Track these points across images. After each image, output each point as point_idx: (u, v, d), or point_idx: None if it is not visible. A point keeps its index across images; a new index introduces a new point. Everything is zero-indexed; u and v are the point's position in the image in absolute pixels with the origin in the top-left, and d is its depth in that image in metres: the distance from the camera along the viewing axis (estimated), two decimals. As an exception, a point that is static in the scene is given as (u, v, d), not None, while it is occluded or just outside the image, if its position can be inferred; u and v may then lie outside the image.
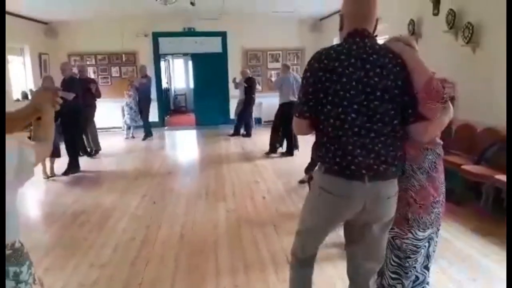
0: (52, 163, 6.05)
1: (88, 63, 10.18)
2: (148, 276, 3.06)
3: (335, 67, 1.68)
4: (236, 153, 7.66)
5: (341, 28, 1.85)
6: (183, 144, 9.53)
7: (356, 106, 1.67)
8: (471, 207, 4.21)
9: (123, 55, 10.47)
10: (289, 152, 7.19)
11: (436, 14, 5.47)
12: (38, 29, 9.57)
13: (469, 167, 4.27)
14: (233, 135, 9.42)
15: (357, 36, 1.75)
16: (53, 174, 6.03)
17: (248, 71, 9.58)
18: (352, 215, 1.79)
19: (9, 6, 7.56)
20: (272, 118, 7.50)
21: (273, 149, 7.33)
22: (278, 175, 5.91)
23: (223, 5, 8.16)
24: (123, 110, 9.56)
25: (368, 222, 1.82)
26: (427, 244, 2.10)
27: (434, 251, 2.18)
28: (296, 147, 7.23)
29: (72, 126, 6.27)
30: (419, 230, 2.02)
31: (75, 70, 7.85)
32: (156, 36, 10.47)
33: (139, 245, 3.63)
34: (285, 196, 4.93)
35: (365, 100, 1.67)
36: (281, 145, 7.43)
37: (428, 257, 2.16)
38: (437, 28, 5.34)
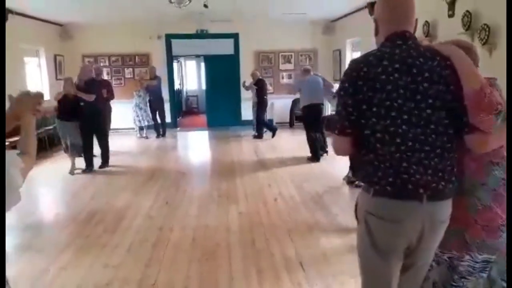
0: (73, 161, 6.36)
1: (101, 64, 10.28)
2: (161, 279, 3.07)
3: (377, 74, 1.49)
4: (247, 155, 7.66)
5: (376, 33, 1.67)
6: (195, 145, 9.57)
7: (407, 116, 1.48)
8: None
9: (136, 57, 10.56)
10: (315, 157, 6.78)
11: (451, 15, 5.39)
12: (53, 31, 9.70)
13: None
14: (256, 137, 9.33)
15: (398, 39, 1.56)
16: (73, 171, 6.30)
17: (258, 73, 9.53)
18: (411, 241, 1.57)
19: (25, 8, 7.69)
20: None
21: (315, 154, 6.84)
22: (292, 179, 5.89)
23: (236, 7, 8.17)
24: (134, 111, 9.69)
25: (421, 248, 1.59)
26: (488, 266, 1.79)
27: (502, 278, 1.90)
28: (324, 150, 6.91)
29: (93, 127, 6.43)
30: (478, 253, 1.72)
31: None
32: (169, 38, 10.54)
33: (151, 246, 3.65)
34: (299, 200, 4.91)
35: (416, 108, 1.47)
36: (323, 148, 6.94)
37: (492, 281, 1.93)
38: (452, 30, 5.26)
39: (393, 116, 1.48)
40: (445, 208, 1.57)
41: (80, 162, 6.40)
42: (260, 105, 9.16)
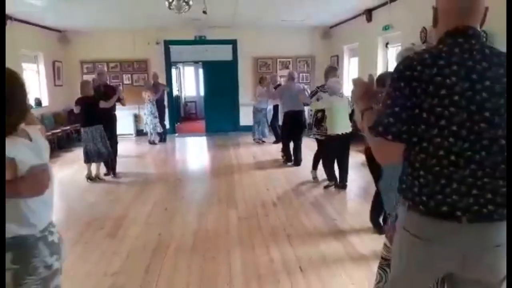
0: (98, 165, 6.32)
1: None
2: (161, 285, 3.05)
3: (432, 76, 1.30)
4: (246, 160, 7.66)
5: (435, 24, 1.46)
6: (194, 151, 9.56)
7: (456, 127, 1.29)
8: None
9: (135, 63, 10.58)
10: (296, 163, 6.94)
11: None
12: (52, 37, 9.72)
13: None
14: (275, 142, 8.97)
15: (459, 36, 1.36)
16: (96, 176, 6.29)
17: (279, 77, 9.35)
18: (451, 268, 1.40)
19: (24, 14, 7.70)
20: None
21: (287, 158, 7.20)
22: (290, 182, 5.90)
23: (234, 13, 8.22)
24: (142, 116, 9.74)
25: (476, 279, 1.39)
26: None
27: None
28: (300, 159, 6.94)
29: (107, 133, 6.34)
30: None
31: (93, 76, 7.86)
32: (167, 44, 10.57)
33: (151, 252, 3.63)
34: (297, 204, 4.91)
35: (468, 120, 1.29)
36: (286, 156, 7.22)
37: None
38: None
39: (442, 126, 1.30)
40: (500, 230, 1.33)
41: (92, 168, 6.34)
42: (276, 110, 9.09)
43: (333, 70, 5.88)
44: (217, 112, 10.90)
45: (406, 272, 1.49)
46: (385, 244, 2.18)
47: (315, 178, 5.88)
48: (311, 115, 4.21)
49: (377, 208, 3.85)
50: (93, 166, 6.24)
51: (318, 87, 5.86)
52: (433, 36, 1.48)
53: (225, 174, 6.59)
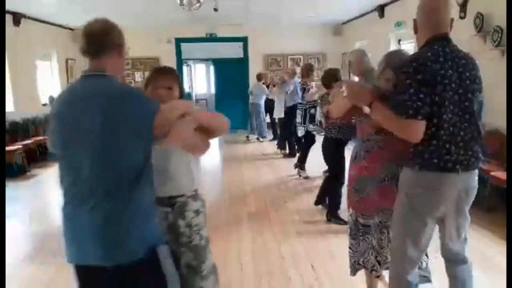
0: None
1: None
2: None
3: (438, 70, 1.80)
4: (255, 156, 7.66)
5: (415, 31, 2.00)
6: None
7: (452, 106, 1.82)
8: (502, 214, 4.07)
9: (147, 61, 10.65)
10: (292, 154, 7.37)
11: (463, 17, 5.35)
12: (65, 35, 9.82)
13: (498, 174, 4.15)
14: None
15: (443, 40, 1.88)
16: None
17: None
18: (448, 207, 1.95)
19: (38, 13, 7.80)
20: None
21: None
22: (299, 178, 5.89)
23: (245, 11, 8.21)
24: None
25: (459, 210, 1.98)
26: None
27: None
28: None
29: None
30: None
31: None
32: (178, 41, 10.60)
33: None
34: (307, 199, 4.89)
35: (459, 100, 1.83)
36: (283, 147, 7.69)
37: None
38: (464, 31, 5.22)
39: (445, 105, 1.80)
40: (475, 176, 1.96)
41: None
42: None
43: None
44: (228, 109, 10.86)
45: (415, 220, 1.95)
46: (351, 215, 2.50)
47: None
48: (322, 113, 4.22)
49: (337, 200, 4.15)
50: None
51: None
52: (417, 40, 1.99)
53: (235, 171, 6.60)
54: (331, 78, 4.18)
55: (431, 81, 1.77)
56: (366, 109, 2.00)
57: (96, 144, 1.43)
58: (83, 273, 1.58)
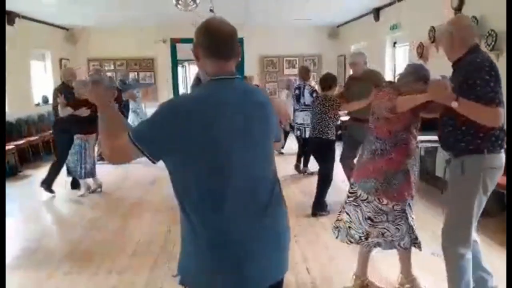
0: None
1: (106, 68, 10.34)
2: (169, 283, 3.05)
3: (498, 69, 2.24)
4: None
5: (452, 46, 2.41)
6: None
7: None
8: (499, 220, 4.05)
9: (142, 61, 10.60)
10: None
11: (458, 21, 5.39)
12: (60, 35, 9.76)
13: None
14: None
15: (479, 48, 2.38)
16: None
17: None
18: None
19: (32, 12, 7.74)
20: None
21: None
22: (293, 178, 5.90)
23: (241, 12, 8.20)
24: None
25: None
26: None
27: None
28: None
29: None
30: None
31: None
32: (173, 42, 10.57)
33: (158, 250, 3.63)
34: (302, 198, 4.89)
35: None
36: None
37: None
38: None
39: (503, 97, 2.25)
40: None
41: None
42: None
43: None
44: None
45: (484, 197, 2.35)
46: (351, 185, 2.81)
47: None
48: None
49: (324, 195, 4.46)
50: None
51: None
52: (449, 50, 2.44)
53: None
54: (331, 81, 4.47)
55: (498, 77, 2.19)
56: (454, 104, 2.19)
57: (259, 147, 1.45)
58: None
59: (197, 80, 4.01)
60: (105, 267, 3.33)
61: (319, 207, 4.45)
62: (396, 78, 2.77)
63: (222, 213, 1.36)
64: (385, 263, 3.12)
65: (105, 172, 6.09)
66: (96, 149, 5.90)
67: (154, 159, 1.35)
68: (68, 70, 5.77)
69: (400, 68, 7.76)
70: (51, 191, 5.36)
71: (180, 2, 5.65)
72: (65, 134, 5.27)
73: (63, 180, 5.59)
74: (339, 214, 2.88)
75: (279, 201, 1.52)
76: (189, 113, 1.31)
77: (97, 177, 5.59)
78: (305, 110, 5.89)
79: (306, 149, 6.15)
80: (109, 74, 10.15)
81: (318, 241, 3.80)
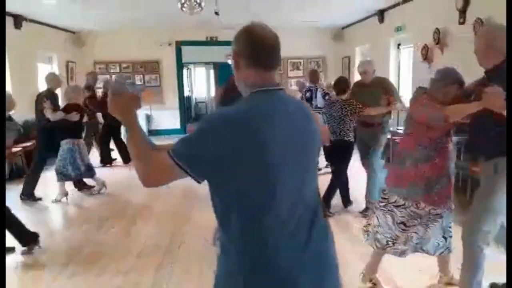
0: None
1: (112, 71, 10.42)
2: (173, 284, 3.08)
3: None
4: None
5: (483, 60, 2.48)
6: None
7: None
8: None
9: (147, 64, 10.67)
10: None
11: (462, 23, 5.39)
12: (66, 38, 9.85)
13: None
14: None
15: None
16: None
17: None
18: None
19: (39, 16, 7.82)
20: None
21: None
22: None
23: (246, 14, 8.23)
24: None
25: None
26: None
27: None
28: None
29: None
30: None
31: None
32: (179, 45, 10.63)
33: (163, 252, 3.66)
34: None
35: None
36: None
37: None
38: (463, 37, 5.26)
39: None
40: None
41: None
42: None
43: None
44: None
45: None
46: (383, 191, 2.83)
47: None
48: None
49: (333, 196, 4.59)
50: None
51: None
52: (483, 57, 2.48)
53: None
54: (345, 85, 4.56)
55: None
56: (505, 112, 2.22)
57: (308, 164, 1.36)
58: None
59: (223, 95, 3.76)
60: (110, 268, 3.36)
61: (328, 205, 4.52)
62: (430, 83, 2.72)
63: (267, 230, 1.23)
64: (394, 265, 3.12)
65: (111, 174, 6.13)
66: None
67: (200, 179, 1.23)
68: (53, 77, 5.81)
69: (405, 70, 7.78)
70: (35, 199, 5.32)
71: (185, 5, 5.68)
72: (52, 139, 5.26)
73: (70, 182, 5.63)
74: (369, 219, 2.95)
75: (321, 215, 1.40)
76: (240, 127, 1.19)
77: (97, 177, 5.62)
78: (317, 113, 5.92)
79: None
80: (114, 77, 10.25)
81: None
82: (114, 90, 1.36)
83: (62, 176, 5.24)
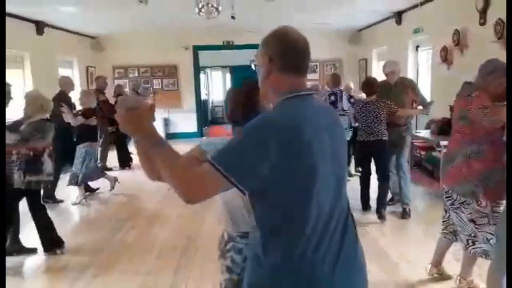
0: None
1: (131, 75, 10.59)
2: (191, 286, 3.10)
3: None
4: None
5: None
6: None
7: None
8: None
9: (165, 68, 10.80)
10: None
11: (483, 23, 5.28)
12: (86, 43, 10.05)
13: None
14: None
15: None
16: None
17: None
18: None
19: (60, 21, 8.01)
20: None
21: None
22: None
23: (262, 18, 8.27)
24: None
25: None
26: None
27: None
28: None
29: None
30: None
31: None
32: (196, 49, 10.74)
33: (179, 254, 3.69)
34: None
35: None
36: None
37: None
38: (484, 38, 5.16)
39: None
40: None
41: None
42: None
43: None
44: (244, 116, 10.94)
45: None
46: (445, 192, 2.80)
47: None
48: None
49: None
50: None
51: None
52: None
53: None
54: (377, 86, 4.58)
55: None
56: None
57: (338, 172, 1.27)
58: None
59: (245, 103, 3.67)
60: (130, 268, 3.41)
61: (384, 206, 4.57)
62: (478, 77, 2.69)
63: (307, 240, 1.19)
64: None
65: (128, 175, 6.21)
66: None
67: (246, 189, 1.16)
68: (66, 80, 5.91)
69: (423, 72, 7.67)
70: (57, 201, 5.38)
71: (202, 10, 5.74)
72: (71, 143, 5.31)
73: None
74: (447, 220, 2.95)
75: (352, 223, 1.36)
76: (292, 135, 1.14)
77: (108, 175, 5.73)
78: (343, 115, 5.94)
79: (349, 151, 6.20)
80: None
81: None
82: (128, 106, 1.23)
83: (75, 182, 5.29)
